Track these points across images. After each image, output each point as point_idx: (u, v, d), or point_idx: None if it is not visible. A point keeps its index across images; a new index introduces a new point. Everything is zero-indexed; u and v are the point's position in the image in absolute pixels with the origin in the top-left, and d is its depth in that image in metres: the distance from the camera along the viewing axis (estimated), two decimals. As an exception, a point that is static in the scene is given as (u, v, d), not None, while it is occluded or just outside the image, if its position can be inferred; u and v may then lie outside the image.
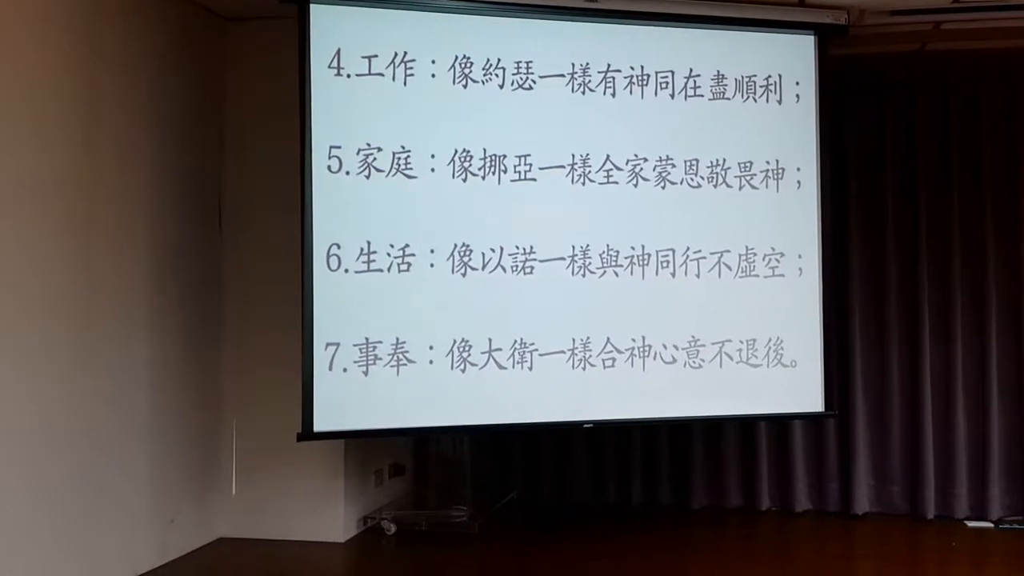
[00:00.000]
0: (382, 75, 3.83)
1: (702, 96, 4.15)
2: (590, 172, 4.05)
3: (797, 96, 4.24)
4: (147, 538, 3.90)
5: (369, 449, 4.63)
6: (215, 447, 4.40)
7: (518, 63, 3.97)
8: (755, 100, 4.20)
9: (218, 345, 4.42)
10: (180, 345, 4.13)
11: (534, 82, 3.99)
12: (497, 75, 3.95)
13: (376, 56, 3.83)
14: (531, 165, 3.99)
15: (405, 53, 3.85)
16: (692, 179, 4.15)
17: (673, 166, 4.13)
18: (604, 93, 4.06)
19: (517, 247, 3.98)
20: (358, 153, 3.81)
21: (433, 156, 3.89)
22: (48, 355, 3.33)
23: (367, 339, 3.82)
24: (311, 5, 3.75)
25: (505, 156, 3.97)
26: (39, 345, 3.28)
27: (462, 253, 3.93)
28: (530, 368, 3.99)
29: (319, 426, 3.77)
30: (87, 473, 3.52)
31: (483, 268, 3.95)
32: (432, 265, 3.89)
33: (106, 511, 3.64)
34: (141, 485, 3.87)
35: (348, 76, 3.80)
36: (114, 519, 3.69)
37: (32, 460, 3.24)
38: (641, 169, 4.10)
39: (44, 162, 3.32)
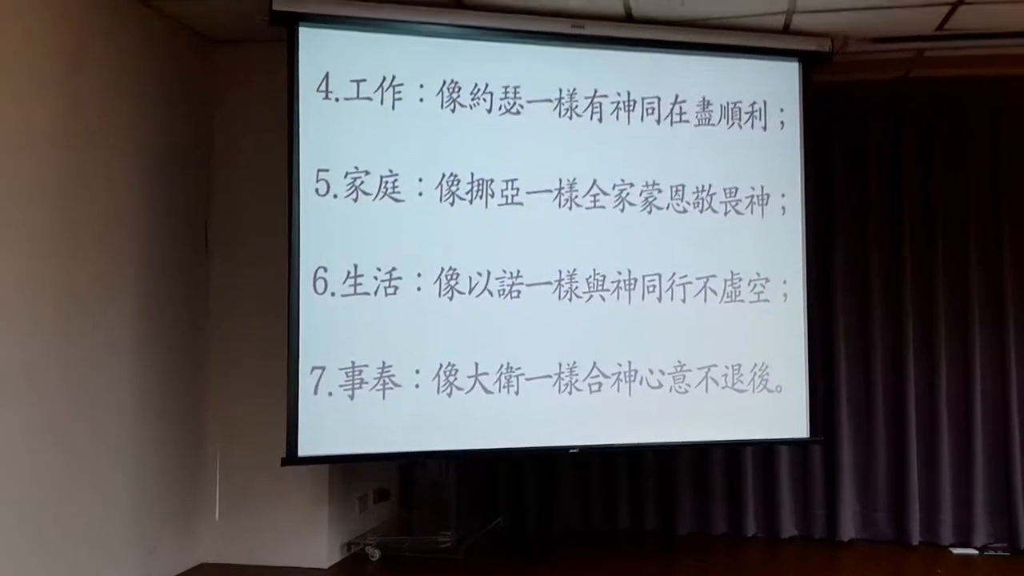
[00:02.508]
0: (370, 99, 3.85)
1: (688, 122, 4.19)
2: (577, 197, 4.07)
3: (782, 122, 4.28)
4: (129, 563, 3.85)
5: (354, 474, 4.60)
6: (199, 471, 4.36)
7: (506, 88, 3.99)
8: (740, 126, 4.24)
9: (203, 368, 4.39)
10: (164, 368, 4.10)
11: (521, 107, 4.01)
12: (485, 100, 3.97)
13: (364, 80, 3.84)
14: (518, 189, 4.00)
15: (393, 77, 3.87)
16: (678, 204, 4.17)
17: (659, 191, 4.15)
18: (591, 118, 4.09)
19: (504, 271, 3.98)
20: (346, 176, 3.82)
21: (421, 180, 3.90)
22: (30, 378, 3.29)
23: (353, 363, 3.81)
24: (300, 28, 3.77)
25: (492, 180, 3.98)
26: (22, 368, 3.24)
27: (449, 277, 3.92)
28: (516, 392, 3.98)
29: (304, 451, 3.75)
30: (68, 498, 3.47)
31: (470, 292, 3.94)
32: (419, 289, 3.89)
33: (87, 536, 3.59)
34: (123, 510, 3.82)
35: (336, 99, 3.81)
36: (95, 544, 3.64)
37: (14, 485, 3.19)
38: (627, 194, 4.12)
39: (31, 183, 3.30)
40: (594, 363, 4.07)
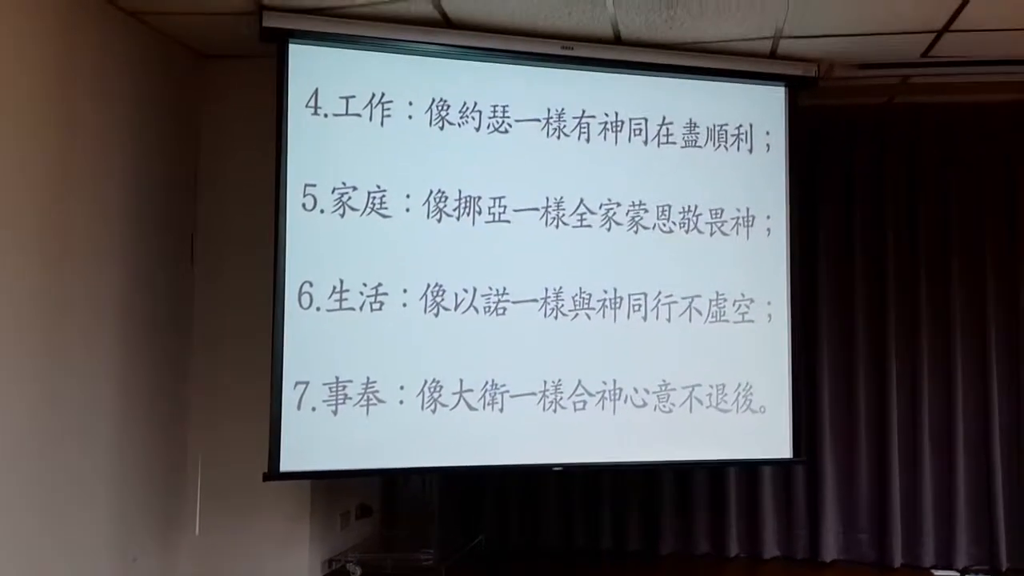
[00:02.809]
0: (359, 115, 3.86)
1: (674, 143, 4.21)
2: (564, 215, 4.08)
3: (768, 145, 4.31)
4: (107, 577, 3.83)
5: (336, 490, 4.58)
6: (179, 486, 4.33)
7: (494, 107, 4.01)
8: (726, 149, 4.27)
9: (186, 381, 4.37)
10: (147, 381, 4.08)
11: (510, 126, 4.04)
12: (474, 118, 3.99)
13: (354, 96, 3.86)
14: (505, 207, 4.02)
15: (383, 94, 3.88)
16: (664, 224, 4.20)
17: (646, 211, 4.18)
18: (579, 138, 4.11)
19: (490, 288, 3.99)
20: (333, 192, 3.82)
21: (408, 196, 3.91)
22: (11, 391, 3.26)
23: (337, 378, 3.80)
24: (290, 44, 3.78)
25: (480, 198, 3.99)
26: (5, 382, 3.22)
27: (435, 293, 3.93)
28: (501, 410, 3.98)
29: (286, 466, 3.73)
30: (48, 510, 3.45)
31: (456, 309, 3.95)
32: (405, 305, 3.89)
33: (67, 549, 3.56)
34: (103, 523, 3.79)
35: (325, 115, 3.82)
36: (75, 558, 3.61)
37: (-9, 496, 3.19)
38: (614, 213, 4.14)
39: (18, 193, 3.29)
40: (579, 381, 4.08)
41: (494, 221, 4.01)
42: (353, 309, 3.82)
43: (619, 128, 4.15)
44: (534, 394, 4.02)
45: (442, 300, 3.93)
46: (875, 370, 4.87)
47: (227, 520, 4.32)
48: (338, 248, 3.82)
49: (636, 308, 4.16)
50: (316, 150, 3.81)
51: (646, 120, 4.19)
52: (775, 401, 4.28)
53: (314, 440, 3.77)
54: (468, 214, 3.98)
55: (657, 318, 4.17)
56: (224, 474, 4.32)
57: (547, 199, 4.06)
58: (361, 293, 3.84)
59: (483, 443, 3.97)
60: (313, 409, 3.76)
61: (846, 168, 4.94)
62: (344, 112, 3.85)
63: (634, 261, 4.16)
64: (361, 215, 3.85)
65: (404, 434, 3.87)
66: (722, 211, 4.25)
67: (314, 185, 3.80)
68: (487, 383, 3.97)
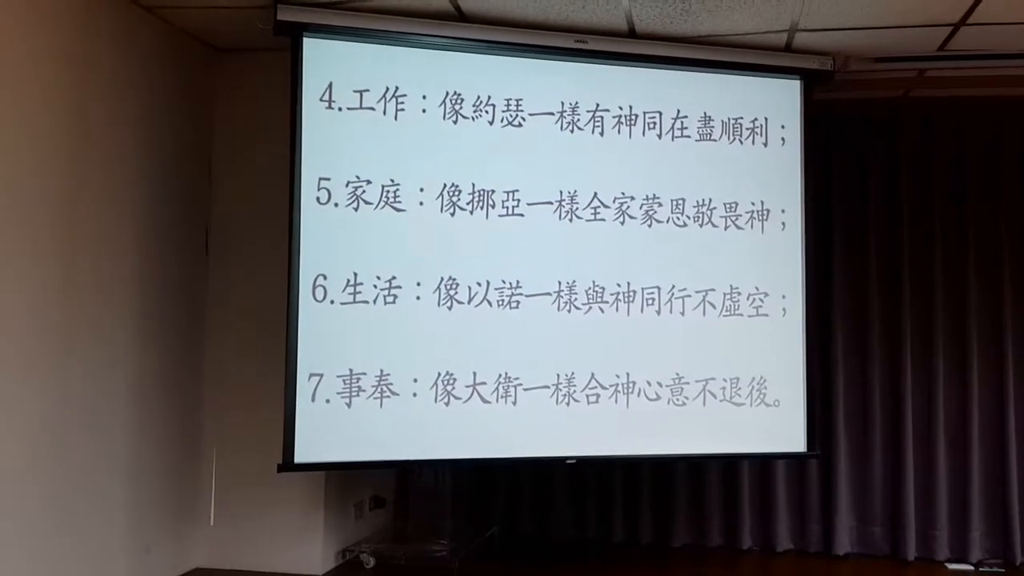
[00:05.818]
0: (373, 109, 3.87)
1: (689, 137, 4.21)
2: (577, 209, 4.08)
3: (782, 139, 4.30)
4: (123, 567, 3.86)
5: (350, 481, 4.61)
6: (194, 476, 4.37)
7: (508, 100, 4.01)
8: (741, 142, 4.26)
9: (200, 373, 4.41)
10: (161, 373, 4.12)
11: (524, 119, 4.04)
12: (487, 111, 3.99)
13: (368, 90, 3.87)
14: (519, 201, 4.02)
15: (396, 88, 3.89)
16: (678, 218, 4.19)
17: (660, 205, 4.17)
18: (592, 132, 4.11)
19: (503, 282, 4.00)
20: (347, 185, 3.84)
21: (422, 190, 3.92)
22: (27, 383, 3.30)
23: (351, 370, 3.82)
24: (304, 38, 3.79)
25: (493, 191, 4.00)
26: (20, 372, 3.26)
27: (448, 286, 3.94)
28: (514, 403, 3.99)
29: (300, 457, 3.76)
30: (64, 502, 3.49)
31: (469, 302, 3.96)
32: (418, 298, 3.90)
33: (82, 539, 3.60)
34: (118, 513, 3.83)
35: (339, 109, 3.83)
36: (90, 547, 3.65)
37: (10, 488, 3.21)
38: (628, 207, 4.13)
39: (32, 186, 3.32)
40: (592, 374, 4.09)
41: (508, 215, 4.01)
42: (367, 302, 3.84)
43: (633, 121, 4.15)
44: (547, 387, 4.04)
45: (456, 293, 3.94)
46: (890, 363, 4.85)
47: (242, 511, 4.36)
48: (352, 241, 3.84)
49: (650, 302, 4.16)
50: (330, 144, 3.82)
51: (660, 113, 4.18)
52: (789, 395, 4.28)
53: (328, 432, 3.80)
54: (482, 208, 3.99)
55: (671, 312, 4.17)
56: (239, 465, 4.36)
57: (561, 193, 4.07)
58: (375, 286, 3.85)
59: (496, 435, 3.99)
60: (327, 401, 3.79)
61: (861, 162, 4.91)
62: (358, 106, 3.86)
63: (648, 255, 4.16)
64: (375, 208, 3.86)
65: (417, 426, 3.89)
66: (736, 205, 4.24)
67: (328, 179, 3.81)
68: (500, 376, 3.99)
